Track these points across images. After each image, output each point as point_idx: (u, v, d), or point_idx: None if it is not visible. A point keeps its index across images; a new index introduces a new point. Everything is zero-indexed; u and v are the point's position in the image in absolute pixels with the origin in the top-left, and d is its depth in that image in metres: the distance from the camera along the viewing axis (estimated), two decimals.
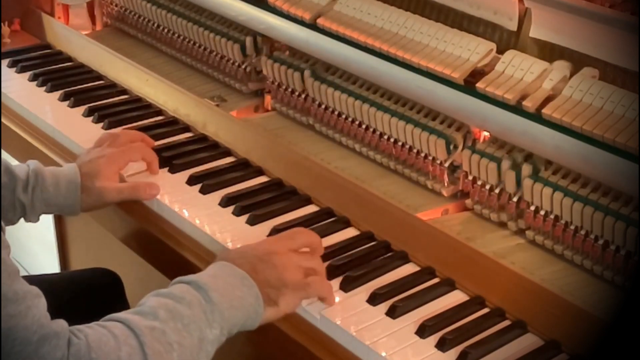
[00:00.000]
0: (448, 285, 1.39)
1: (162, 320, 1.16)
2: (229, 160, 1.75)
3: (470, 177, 1.57)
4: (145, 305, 1.19)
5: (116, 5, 2.35)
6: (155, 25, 2.22)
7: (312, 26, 1.78)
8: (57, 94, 2.01)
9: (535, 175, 1.46)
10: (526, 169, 1.47)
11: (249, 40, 1.97)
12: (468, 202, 1.60)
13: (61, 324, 1.12)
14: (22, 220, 1.55)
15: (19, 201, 1.50)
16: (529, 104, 1.43)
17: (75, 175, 1.54)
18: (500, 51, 1.54)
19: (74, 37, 2.24)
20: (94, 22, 2.45)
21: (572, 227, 1.42)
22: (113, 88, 2.04)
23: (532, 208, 1.48)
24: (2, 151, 1.97)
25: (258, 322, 1.27)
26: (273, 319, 1.30)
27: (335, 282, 1.39)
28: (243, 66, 2.00)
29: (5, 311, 1.06)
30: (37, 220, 1.55)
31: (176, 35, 2.16)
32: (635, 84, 1.37)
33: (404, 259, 1.45)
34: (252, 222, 1.54)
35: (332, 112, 1.80)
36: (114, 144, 1.63)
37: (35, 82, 2.07)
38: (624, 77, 1.41)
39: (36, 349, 1.08)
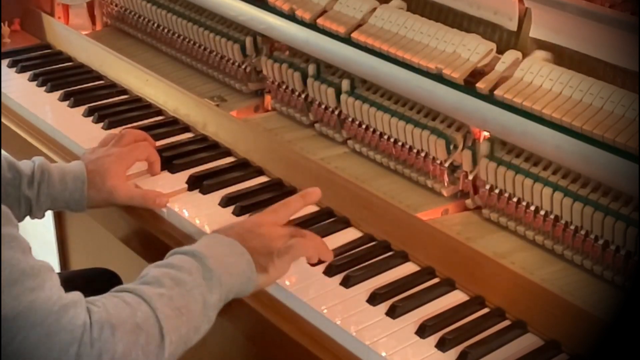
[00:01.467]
0: (448, 285, 1.39)
1: (168, 287, 1.21)
2: (229, 160, 1.75)
3: (470, 177, 1.57)
4: (148, 276, 1.24)
5: (116, 5, 2.35)
6: (155, 25, 2.22)
7: (312, 26, 1.78)
8: (57, 94, 2.01)
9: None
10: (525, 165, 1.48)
11: (249, 40, 1.97)
12: (468, 202, 1.60)
13: (77, 294, 1.15)
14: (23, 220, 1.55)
15: (24, 197, 1.50)
16: (528, 104, 1.43)
17: (82, 171, 1.54)
18: (500, 51, 1.54)
19: (74, 37, 2.24)
20: (94, 22, 2.45)
21: (572, 227, 1.42)
22: (113, 88, 2.04)
23: (532, 208, 1.48)
24: (2, 151, 1.97)
25: (252, 289, 1.32)
26: (266, 286, 1.36)
27: (336, 282, 1.39)
28: (243, 66, 2.00)
29: (25, 285, 1.08)
30: (42, 216, 1.55)
31: (176, 35, 2.16)
32: (635, 84, 1.37)
33: (403, 258, 1.46)
34: None
35: (332, 112, 1.80)
36: (119, 143, 1.63)
37: (35, 82, 2.07)
38: (624, 77, 1.41)
39: (58, 319, 1.10)
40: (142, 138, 1.68)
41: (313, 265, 1.41)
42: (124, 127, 1.84)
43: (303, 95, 1.87)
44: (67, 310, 1.11)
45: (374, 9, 1.71)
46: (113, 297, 1.19)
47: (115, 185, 1.55)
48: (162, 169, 1.69)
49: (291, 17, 1.82)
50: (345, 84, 1.76)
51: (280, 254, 1.35)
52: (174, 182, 1.66)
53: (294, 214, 1.46)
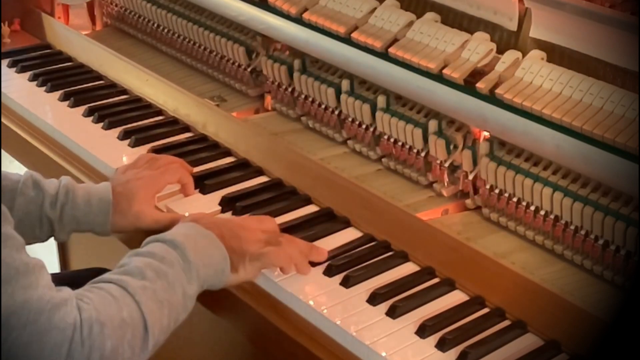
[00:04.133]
0: (448, 285, 1.39)
1: (151, 279, 1.23)
2: (229, 160, 1.75)
3: (470, 177, 1.57)
4: (130, 266, 1.25)
5: (116, 5, 2.35)
6: (155, 25, 2.23)
7: (312, 27, 1.78)
8: (57, 94, 2.01)
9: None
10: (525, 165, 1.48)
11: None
12: (468, 202, 1.60)
13: (67, 291, 1.16)
14: None
15: (46, 217, 1.46)
16: (528, 104, 1.43)
17: (108, 194, 1.48)
18: (500, 51, 1.54)
19: (74, 37, 2.24)
20: (94, 22, 2.45)
21: (572, 227, 1.42)
22: (113, 88, 2.04)
23: (532, 208, 1.48)
24: (3, 152, 1.97)
25: (223, 283, 1.34)
26: (233, 284, 1.37)
27: (336, 282, 1.39)
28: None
29: (19, 283, 1.09)
30: (67, 238, 1.50)
31: (176, 35, 2.16)
32: (635, 84, 1.37)
33: (403, 258, 1.46)
34: None
35: (332, 112, 1.80)
36: (152, 166, 1.57)
37: (35, 82, 2.07)
38: (624, 77, 1.41)
39: (49, 317, 1.11)
40: (177, 162, 1.62)
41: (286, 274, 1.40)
42: (124, 127, 1.85)
43: (303, 96, 1.87)
44: (59, 308, 1.12)
45: (374, 9, 1.71)
46: (99, 291, 1.19)
47: (142, 210, 1.50)
48: None
49: (291, 17, 1.82)
50: (345, 84, 1.76)
51: (252, 259, 1.36)
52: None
53: (277, 231, 1.44)
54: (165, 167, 1.58)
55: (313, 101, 1.84)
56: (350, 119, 1.76)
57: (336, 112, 1.80)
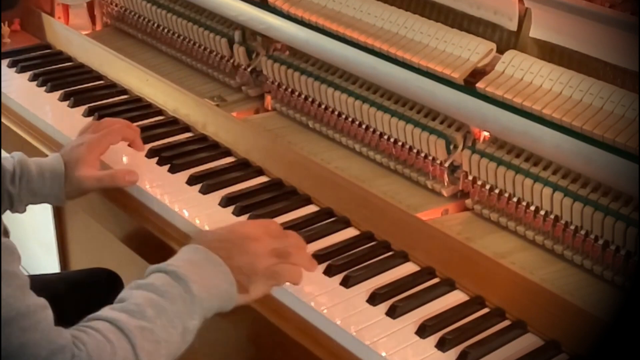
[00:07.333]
0: (448, 285, 1.39)
1: (150, 319, 1.18)
2: (229, 160, 1.75)
3: (470, 177, 1.57)
4: (130, 302, 1.20)
5: (116, 5, 2.35)
6: (155, 25, 2.23)
7: (312, 26, 1.78)
8: (57, 94, 2.01)
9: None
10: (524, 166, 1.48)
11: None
12: (468, 202, 1.60)
13: (65, 336, 1.12)
14: (23, 220, 1.55)
15: (6, 192, 1.51)
16: (528, 104, 1.43)
17: (59, 165, 1.55)
18: (500, 51, 1.54)
19: (74, 37, 2.24)
20: (94, 22, 2.45)
21: (572, 227, 1.43)
22: (113, 88, 2.04)
23: (532, 208, 1.48)
24: (3, 152, 1.97)
25: (231, 306, 1.30)
26: (243, 304, 1.32)
27: (336, 282, 1.39)
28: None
29: (19, 325, 1.07)
30: (23, 210, 1.56)
31: (176, 35, 2.16)
32: (635, 84, 1.37)
33: (404, 258, 1.46)
34: None
35: (332, 112, 1.80)
36: (95, 130, 1.63)
37: (35, 82, 2.07)
38: (624, 77, 1.41)
39: None
40: (119, 123, 1.67)
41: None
42: None
43: (303, 95, 1.87)
44: (54, 356, 1.09)
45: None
46: (96, 334, 1.15)
47: (82, 174, 1.55)
48: (163, 166, 1.69)
49: (291, 17, 1.82)
50: (345, 84, 1.76)
51: (265, 276, 1.30)
52: (173, 182, 1.66)
53: (281, 231, 1.37)
54: (107, 130, 1.62)
55: (313, 101, 1.83)
56: (350, 119, 1.76)
57: (336, 112, 1.79)
